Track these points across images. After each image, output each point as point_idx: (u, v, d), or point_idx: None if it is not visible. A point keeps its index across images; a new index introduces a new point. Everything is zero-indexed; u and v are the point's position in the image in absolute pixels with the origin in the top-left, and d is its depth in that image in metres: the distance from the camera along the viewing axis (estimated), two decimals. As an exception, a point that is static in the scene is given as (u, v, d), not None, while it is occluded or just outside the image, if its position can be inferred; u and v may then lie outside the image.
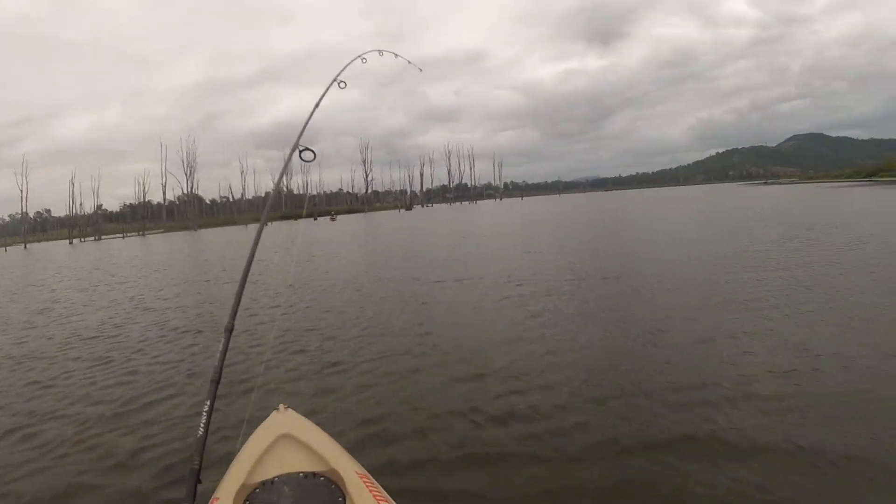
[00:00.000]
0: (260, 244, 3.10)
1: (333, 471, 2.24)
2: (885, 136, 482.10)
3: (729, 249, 13.39)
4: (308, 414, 2.98)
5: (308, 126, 3.71)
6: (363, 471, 2.32)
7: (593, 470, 3.47)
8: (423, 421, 4.42)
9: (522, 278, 11.24)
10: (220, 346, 2.66)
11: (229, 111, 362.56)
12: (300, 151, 3.14)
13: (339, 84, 4.02)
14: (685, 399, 4.42)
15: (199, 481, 2.28)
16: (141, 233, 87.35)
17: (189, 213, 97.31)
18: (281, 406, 2.90)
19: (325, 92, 3.93)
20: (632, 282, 10.15)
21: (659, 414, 4.19)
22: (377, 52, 4.51)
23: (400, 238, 29.24)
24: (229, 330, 2.74)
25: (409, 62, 5.08)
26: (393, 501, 2.10)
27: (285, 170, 3.04)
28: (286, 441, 2.54)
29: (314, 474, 2.21)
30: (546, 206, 66.14)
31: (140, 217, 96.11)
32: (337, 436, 2.80)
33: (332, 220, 76.25)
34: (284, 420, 2.75)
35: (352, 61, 4.23)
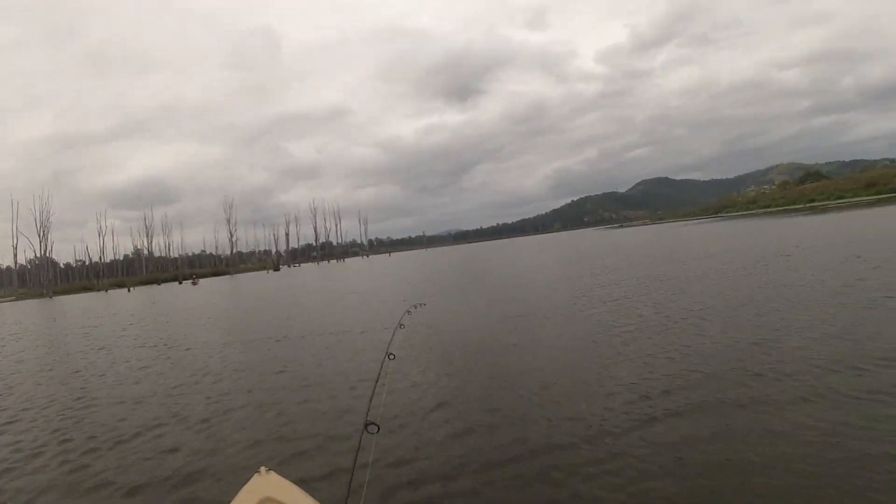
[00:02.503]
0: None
1: None
2: (722, 177, 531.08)
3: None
4: (291, 476, 3.00)
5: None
6: None
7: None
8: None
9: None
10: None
11: (83, 168, 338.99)
12: (367, 425, 3.04)
13: (388, 356, 4.60)
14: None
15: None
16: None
17: (43, 278, 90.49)
18: (262, 468, 2.87)
19: (381, 369, 4.44)
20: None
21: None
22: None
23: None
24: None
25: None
26: None
27: (358, 453, 2.88)
28: None
29: None
30: (418, 262, 65.33)
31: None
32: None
33: (194, 283, 73.67)
34: (267, 483, 2.74)
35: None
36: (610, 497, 3.78)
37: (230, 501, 2.66)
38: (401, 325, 6.56)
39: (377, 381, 4.00)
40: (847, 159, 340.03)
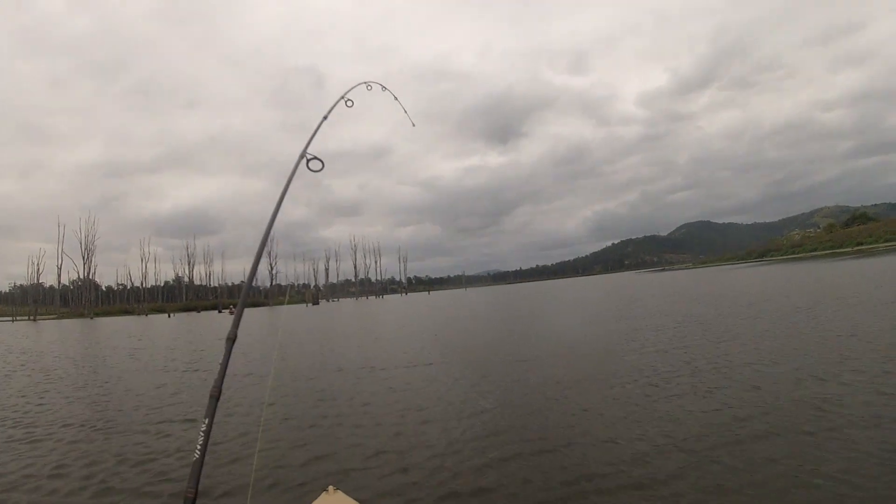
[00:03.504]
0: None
1: None
2: (766, 220, 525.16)
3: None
4: (358, 496, 2.98)
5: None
6: None
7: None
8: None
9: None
10: (222, 359, 2.45)
11: (129, 194, 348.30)
12: (308, 160, 2.88)
13: (346, 102, 4.15)
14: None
15: None
16: (32, 317, 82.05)
17: (85, 299, 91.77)
18: (330, 488, 2.90)
19: (333, 106, 4.03)
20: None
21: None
22: (365, 86, 4.62)
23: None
24: (232, 340, 2.51)
25: (404, 111, 5.52)
26: None
27: (291, 178, 2.86)
28: None
29: None
30: (463, 302, 62.75)
31: (32, 300, 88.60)
32: None
33: (231, 313, 73.88)
34: (334, 502, 2.78)
35: (344, 95, 4.22)
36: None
37: None
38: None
39: None
40: (894, 201, 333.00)
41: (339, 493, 2.85)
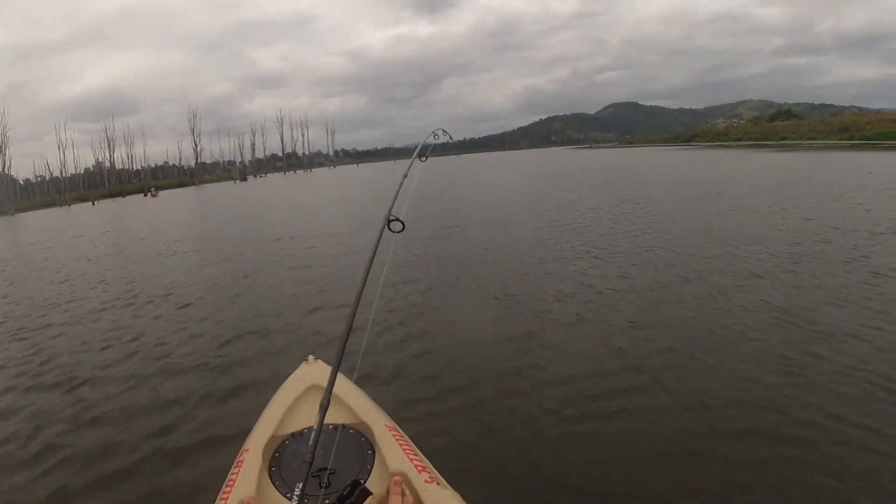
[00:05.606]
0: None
1: (363, 423, 2.29)
2: (691, 106, 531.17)
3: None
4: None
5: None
6: (392, 423, 2.37)
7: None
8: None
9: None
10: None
11: (39, 80, 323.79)
12: (389, 222, 2.66)
13: (420, 159, 4.07)
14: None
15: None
16: (-56, 222, 76.82)
17: (3, 195, 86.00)
18: (310, 357, 2.95)
19: (411, 164, 3.81)
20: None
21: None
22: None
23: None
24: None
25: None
26: (422, 455, 2.17)
27: (377, 245, 2.59)
28: (315, 392, 2.56)
29: (343, 426, 2.22)
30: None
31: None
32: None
33: (154, 195, 71.30)
34: (314, 371, 2.79)
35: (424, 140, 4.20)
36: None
37: (277, 389, 2.74)
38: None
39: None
40: (816, 102, 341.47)
41: (319, 362, 2.91)
